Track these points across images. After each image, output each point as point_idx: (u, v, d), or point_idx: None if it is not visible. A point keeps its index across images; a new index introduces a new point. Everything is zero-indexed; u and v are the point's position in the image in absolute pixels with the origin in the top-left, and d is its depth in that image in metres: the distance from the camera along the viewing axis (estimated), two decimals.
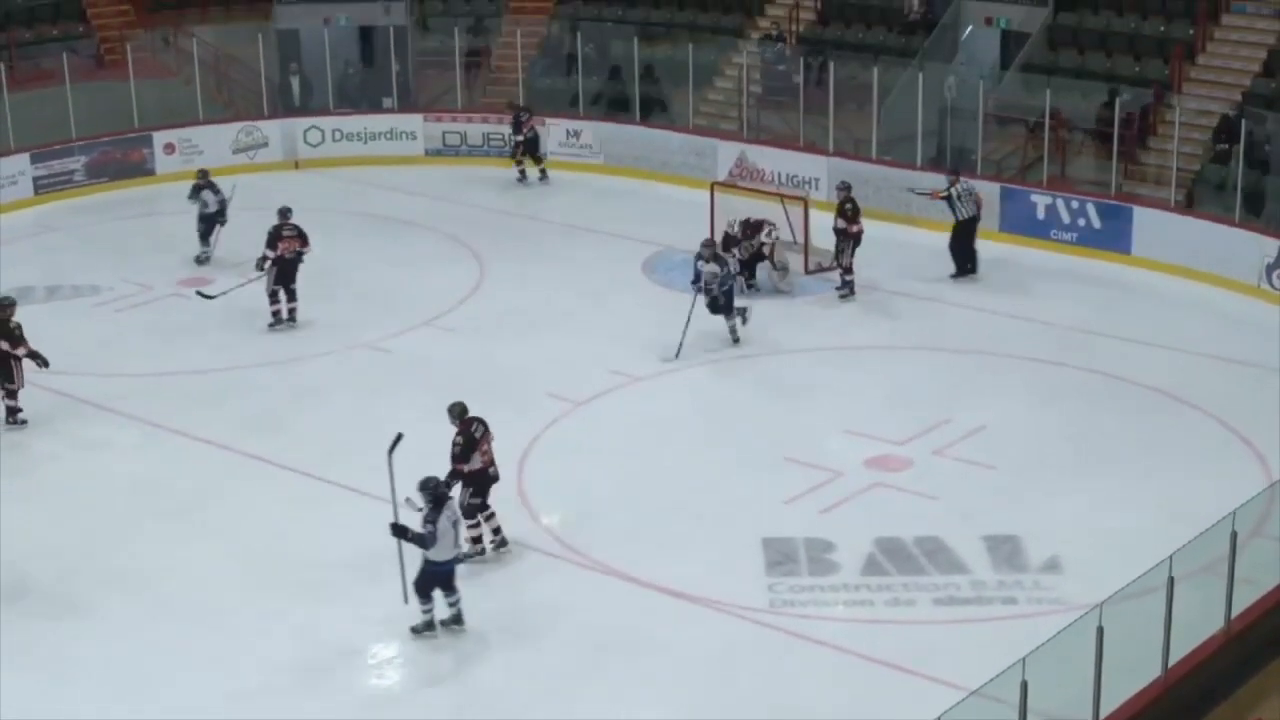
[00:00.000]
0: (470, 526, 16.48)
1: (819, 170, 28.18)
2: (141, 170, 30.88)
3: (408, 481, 14.87)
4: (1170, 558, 12.92)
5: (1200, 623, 13.72)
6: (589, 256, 26.10)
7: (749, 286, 24.18)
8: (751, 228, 24.40)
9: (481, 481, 16.55)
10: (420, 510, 15.19)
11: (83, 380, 21.24)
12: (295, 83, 33.25)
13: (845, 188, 24.57)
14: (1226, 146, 25.93)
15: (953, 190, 25.00)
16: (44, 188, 29.92)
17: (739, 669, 14.84)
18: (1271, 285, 23.62)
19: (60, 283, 25.20)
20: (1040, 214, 26.41)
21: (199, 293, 23.98)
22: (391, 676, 15.12)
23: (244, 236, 25.21)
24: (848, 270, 24.20)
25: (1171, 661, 13.25)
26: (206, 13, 35.28)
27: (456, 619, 15.34)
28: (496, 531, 16.81)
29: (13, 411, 20.29)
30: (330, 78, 32.87)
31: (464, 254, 26.55)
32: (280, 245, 23.34)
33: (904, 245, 26.09)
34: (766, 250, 24.32)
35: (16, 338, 20.21)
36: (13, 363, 20.18)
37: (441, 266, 25.95)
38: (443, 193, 30.12)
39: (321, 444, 18.91)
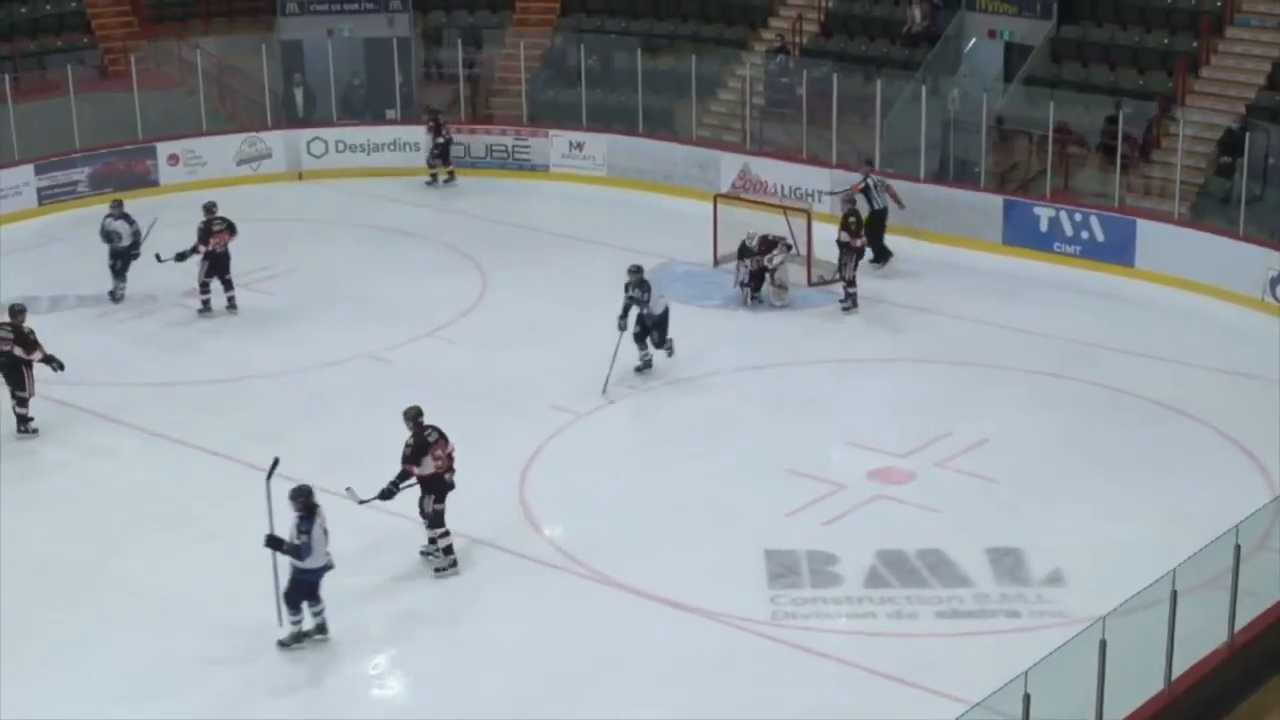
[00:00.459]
0: (441, 535, 16.62)
1: (822, 182, 28.16)
2: (145, 181, 30.84)
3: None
4: (1173, 571, 12.90)
5: (1203, 636, 13.69)
6: (592, 268, 26.08)
7: (753, 299, 24.19)
8: (768, 244, 24.40)
9: (440, 488, 16.58)
10: (362, 501, 15.96)
11: (87, 390, 21.22)
12: (299, 94, 33.26)
13: (849, 200, 24.57)
14: (1230, 160, 25.91)
15: (868, 181, 25.66)
16: (48, 198, 29.89)
17: (740, 680, 14.82)
18: (1275, 298, 23.57)
19: (64, 293, 25.20)
20: (1043, 226, 26.39)
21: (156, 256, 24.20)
22: (393, 686, 15.13)
23: (247, 253, 25.19)
24: (851, 283, 24.18)
25: (1174, 675, 13.23)
26: (210, 24, 35.33)
27: (321, 628, 15.36)
28: (433, 541, 16.79)
29: (23, 420, 20.32)
30: (334, 89, 32.89)
31: (466, 265, 26.54)
32: (212, 240, 24.32)
33: (908, 258, 26.07)
34: (770, 266, 24.31)
35: (31, 342, 20.31)
36: (24, 369, 20.22)
37: (444, 277, 25.95)
38: (445, 204, 30.12)
39: (322, 454, 18.87)
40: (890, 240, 26.15)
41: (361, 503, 16.36)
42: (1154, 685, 13.13)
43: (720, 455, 19.28)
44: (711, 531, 17.39)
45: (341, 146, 32.11)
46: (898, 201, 26.16)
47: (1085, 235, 26.04)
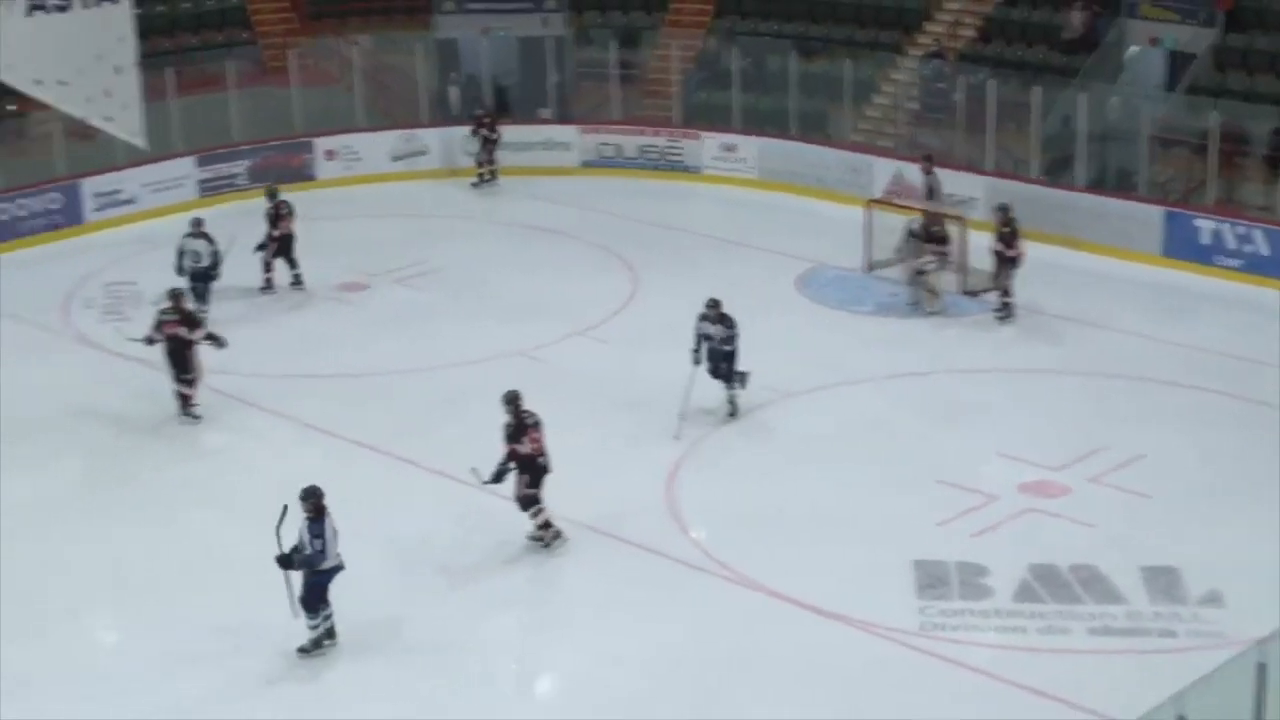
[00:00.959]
0: (534, 514, 16.94)
1: (976, 189, 27.87)
2: (302, 175, 31.27)
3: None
4: None
5: None
6: (742, 271, 26.00)
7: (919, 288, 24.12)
8: (933, 237, 24.12)
9: (534, 470, 16.86)
10: (485, 482, 16.56)
11: (238, 380, 21.56)
12: (454, 92, 33.51)
13: (1003, 209, 24.25)
14: None
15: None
16: (208, 190, 30.38)
17: (884, 689, 14.68)
18: None
19: (225, 285, 25.45)
20: (1205, 239, 25.85)
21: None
22: (537, 685, 15.20)
23: (399, 248, 25.41)
24: (1006, 293, 23.87)
25: None
26: (368, 21, 35.64)
27: (330, 633, 15.27)
28: (542, 528, 17.10)
29: (187, 402, 20.71)
30: (488, 87, 33.08)
31: (617, 265, 26.58)
32: (280, 225, 25.20)
33: (1064, 268, 25.70)
34: (925, 269, 24.08)
35: (194, 321, 20.73)
36: (188, 352, 20.60)
37: (594, 277, 26.01)
38: (597, 204, 30.19)
39: (467, 451, 18.90)
40: (1046, 250, 25.74)
41: (485, 484, 16.73)
42: None
43: (869, 463, 19.11)
44: (859, 539, 17.24)
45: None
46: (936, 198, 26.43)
47: (1248, 248, 25.46)
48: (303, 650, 15.14)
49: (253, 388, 21.55)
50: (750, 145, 31.26)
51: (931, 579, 16.36)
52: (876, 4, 33.49)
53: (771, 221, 28.75)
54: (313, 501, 14.90)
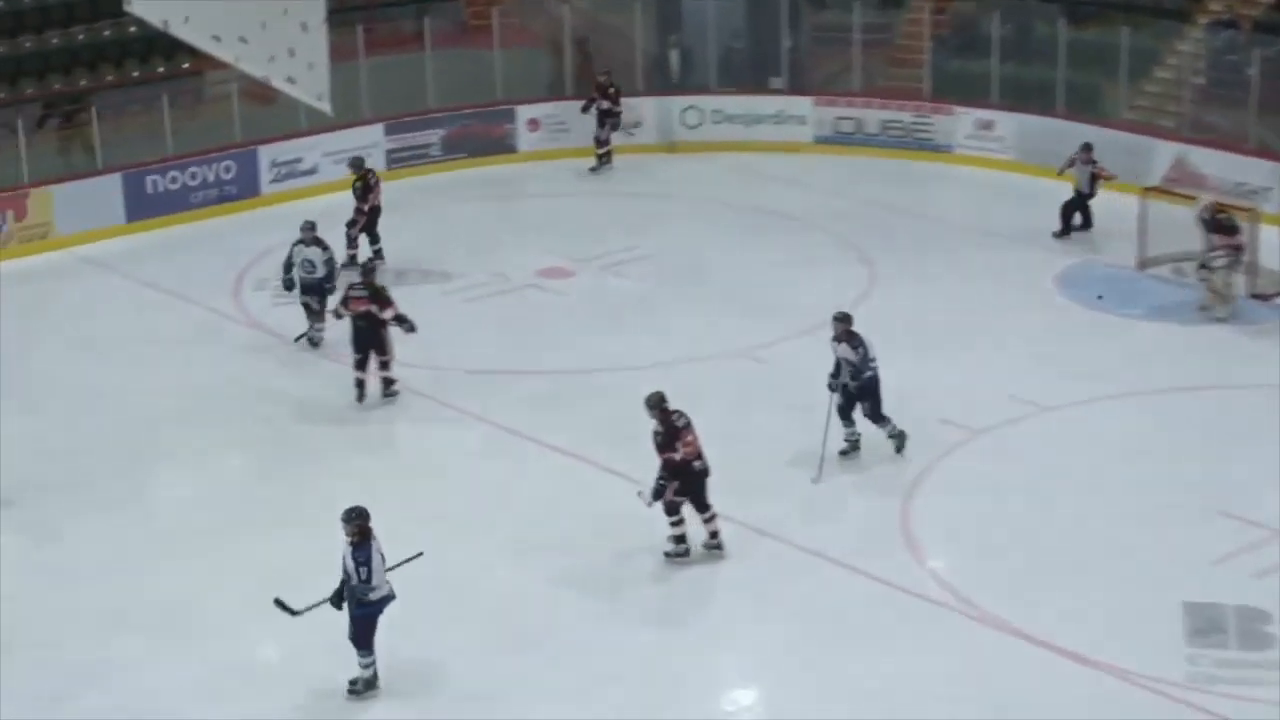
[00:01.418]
0: (673, 524, 17.18)
1: (1271, 179, 27.35)
2: (502, 147, 31.69)
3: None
4: None
5: None
6: (995, 265, 25.85)
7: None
8: (1221, 226, 23.74)
9: (685, 476, 17.05)
10: (650, 503, 16.83)
11: (428, 375, 21.98)
12: (675, 56, 33.71)
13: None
14: None
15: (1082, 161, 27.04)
16: (397, 162, 30.96)
17: None
18: None
19: (408, 267, 26.09)
20: None
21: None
22: None
23: (608, 231, 25.57)
24: None
25: None
26: None
27: (371, 681, 15.26)
28: (715, 535, 17.40)
29: (389, 383, 21.36)
30: (713, 52, 33.25)
31: (851, 256, 26.57)
32: (370, 197, 25.92)
33: None
34: (1213, 264, 23.66)
35: (385, 298, 21.27)
36: (381, 332, 21.18)
37: (825, 269, 26.02)
38: (832, 186, 30.18)
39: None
40: None
41: (651, 505, 17.05)
42: None
43: (1134, 490, 18.86)
44: (1121, 576, 17.04)
45: (719, 116, 32.45)
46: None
47: None
48: (354, 690, 15.21)
49: (442, 383, 21.95)
50: (1009, 122, 31.02)
51: (1205, 624, 16.10)
52: None
53: (1030, 209, 28.43)
54: (357, 524, 14.89)
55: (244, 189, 29.61)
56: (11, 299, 25.32)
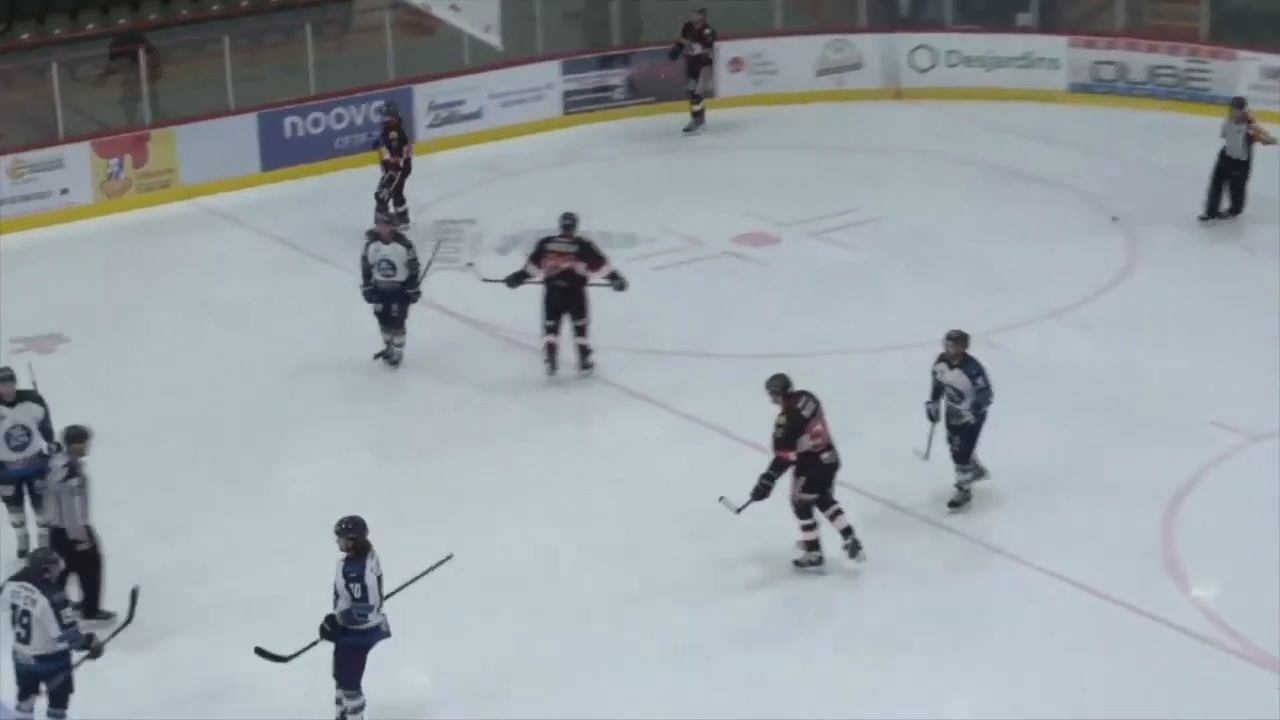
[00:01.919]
0: (805, 528, 17.25)
1: None
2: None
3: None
4: None
5: None
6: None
7: None
8: None
9: (814, 470, 17.13)
10: (739, 510, 16.93)
11: (608, 355, 21.98)
12: None
13: None
14: None
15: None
16: (575, 106, 31.04)
17: None
18: None
19: (587, 228, 25.93)
20: None
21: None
22: None
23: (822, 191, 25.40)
24: None
25: None
26: None
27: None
28: (847, 533, 17.38)
29: (586, 353, 21.62)
30: None
31: (1110, 226, 26.24)
32: (407, 148, 25.73)
33: None
34: None
35: (596, 255, 21.51)
36: (583, 293, 21.40)
37: (1078, 241, 25.74)
38: (1089, 142, 29.84)
39: (898, 461, 18.88)
40: None
41: (738, 512, 17.08)
42: None
43: None
44: None
45: (955, 59, 32.26)
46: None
47: None
48: None
49: (621, 363, 21.97)
50: None
51: None
52: None
53: None
54: (352, 537, 14.75)
55: None
56: (128, 255, 25.74)
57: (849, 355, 21.97)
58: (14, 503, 17.45)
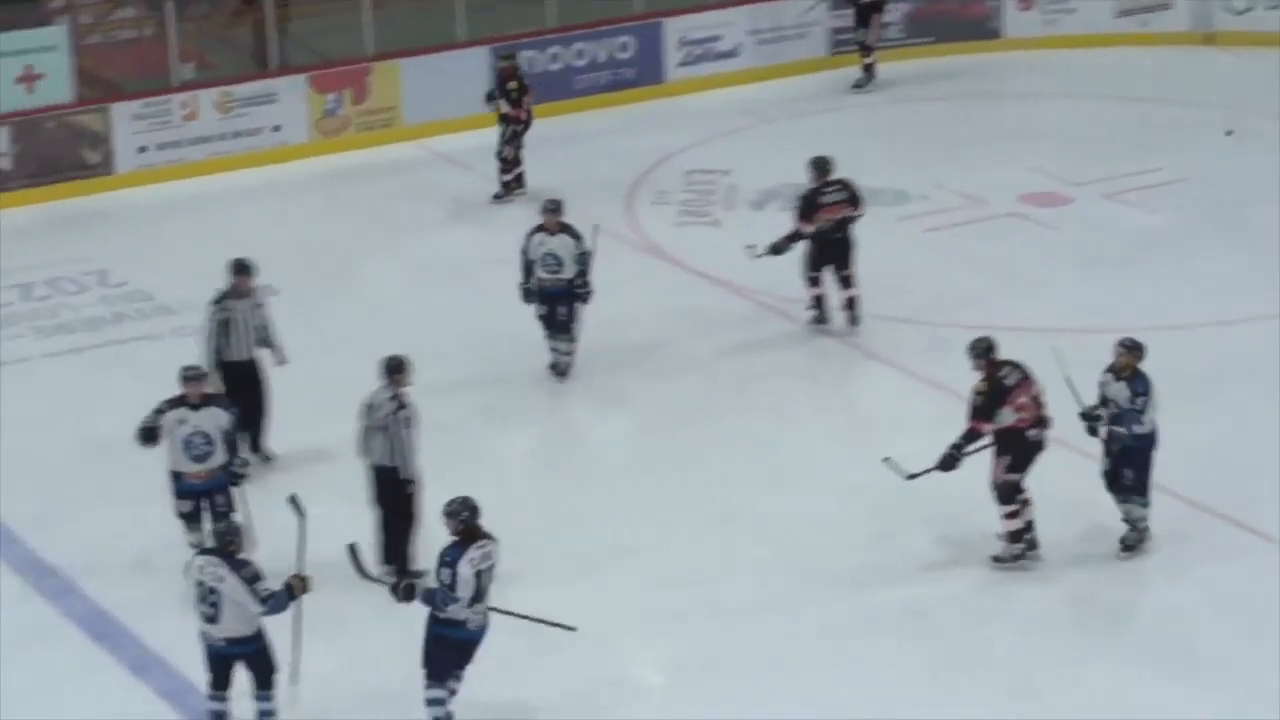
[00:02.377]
0: (1008, 515, 17.16)
1: None
2: (983, 31, 31.44)
3: None
4: None
5: None
6: None
7: None
8: None
9: (1019, 448, 16.98)
10: (910, 476, 17.13)
11: (872, 325, 21.95)
12: None
13: None
14: None
15: None
16: (844, 44, 30.69)
17: None
18: None
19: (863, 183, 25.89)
20: None
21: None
22: None
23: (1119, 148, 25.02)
24: None
25: None
26: None
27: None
28: (1029, 527, 17.27)
29: (853, 304, 21.80)
30: None
31: None
32: (527, 99, 25.00)
33: None
34: None
35: (859, 194, 21.66)
36: (850, 243, 21.63)
37: None
38: None
39: (1203, 456, 18.63)
40: None
41: (910, 478, 17.22)
42: None
43: None
44: None
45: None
46: None
47: None
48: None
49: (884, 333, 21.91)
50: None
51: None
52: None
53: None
54: (463, 519, 14.77)
55: (644, 73, 29.77)
56: (345, 201, 25.85)
57: (1142, 334, 21.53)
58: (192, 520, 17.22)
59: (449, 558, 14.63)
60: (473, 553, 14.62)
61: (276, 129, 27.59)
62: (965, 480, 17.19)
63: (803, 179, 22.17)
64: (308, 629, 15.19)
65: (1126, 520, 17.58)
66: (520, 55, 26.74)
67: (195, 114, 27.08)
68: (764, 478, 19.06)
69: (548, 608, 15.35)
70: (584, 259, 20.83)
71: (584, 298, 20.90)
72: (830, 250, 21.58)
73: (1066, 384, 17.19)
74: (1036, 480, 17.15)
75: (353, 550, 15.38)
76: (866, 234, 22.59)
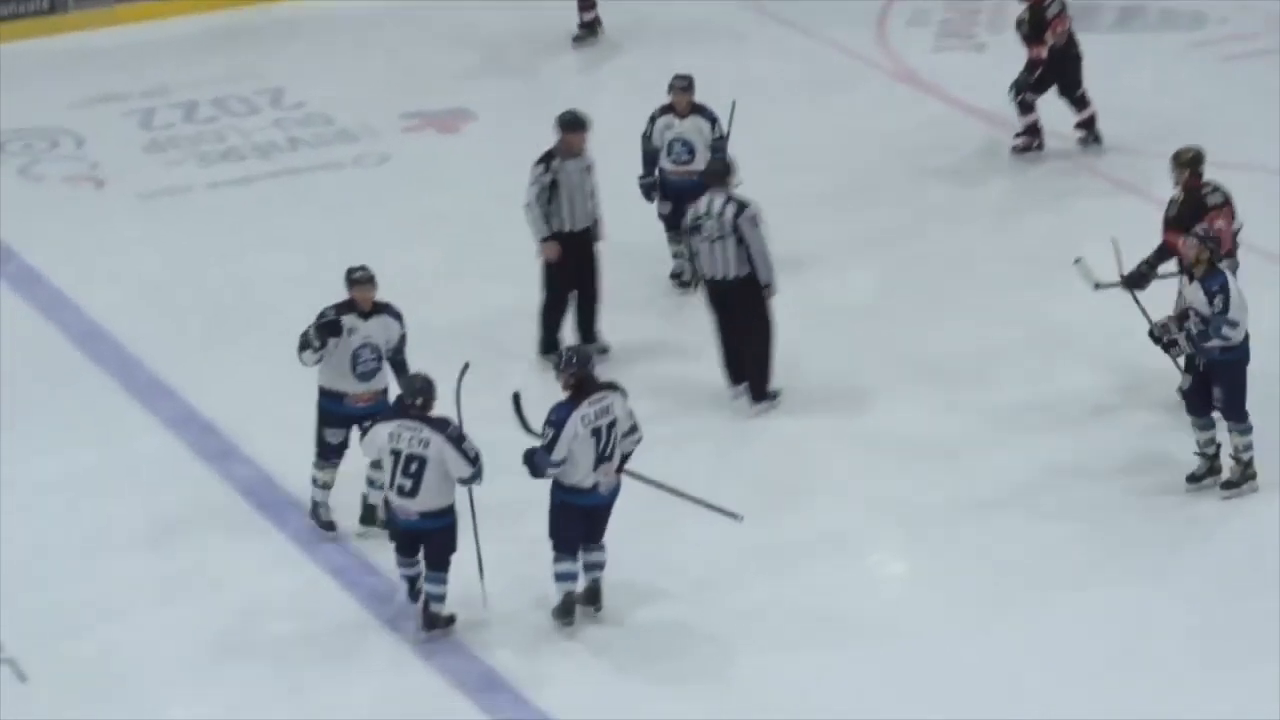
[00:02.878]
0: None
1: None
2: None
3: None
4: None
5: None
6: None
7: None
8: None
9: None
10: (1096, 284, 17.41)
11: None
12: None
13: None
14: None
15: None
16: None
17: None
18: None
19: (1142, 3, 25.69)
20: None
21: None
22: None
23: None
24: None
25: None
26: None
27: (592, 595, 15.38)
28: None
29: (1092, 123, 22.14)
30: None
31: None
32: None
33: None
34: None
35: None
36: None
37: None
38: None
39: None
40: None
41: (1097, 288, 17.49)
42: None
43: None
44: None
45: None
46: None
47: None
48: (556, 615, 15.29)
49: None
50: None
51: None
52: None
53: None
54: (573, 372, 14.91)
55: None
56: (553, 15, 25.53)
57: None
58: (335, 455, 16.42)
59: (555, 416, 14.78)
60: (585, 409, 14.78)
61: None
62: None
63: None
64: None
65: (1200, 453, 17.18)
66: None
67: None
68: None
69: None
70: (722, 141, 19.56)
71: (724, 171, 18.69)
72: (1060, 69, 21.72)
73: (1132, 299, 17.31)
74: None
75: (516, 400, 15.45)
76: (1156, 63, 23.21)
